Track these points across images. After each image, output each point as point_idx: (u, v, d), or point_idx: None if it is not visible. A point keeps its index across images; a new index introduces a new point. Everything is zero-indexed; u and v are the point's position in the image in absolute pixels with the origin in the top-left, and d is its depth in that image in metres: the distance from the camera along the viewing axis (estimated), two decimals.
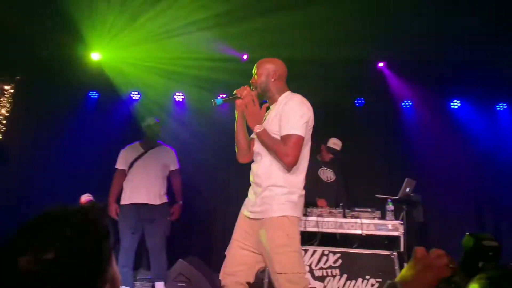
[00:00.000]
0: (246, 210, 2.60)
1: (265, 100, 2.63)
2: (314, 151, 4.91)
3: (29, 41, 5.30)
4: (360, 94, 6.13)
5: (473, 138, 5.84)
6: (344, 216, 4.15)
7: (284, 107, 2.45)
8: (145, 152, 4.64)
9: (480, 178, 5.74)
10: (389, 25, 4.66)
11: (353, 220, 4.10)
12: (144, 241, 4.59)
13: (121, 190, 4.57)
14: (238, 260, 2.51)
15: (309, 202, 4.46)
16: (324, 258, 3.98)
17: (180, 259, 4.56)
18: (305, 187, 4.71)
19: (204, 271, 4.51)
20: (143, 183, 4.51)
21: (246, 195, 2.61)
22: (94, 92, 6.23)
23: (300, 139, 2.38)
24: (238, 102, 2.54)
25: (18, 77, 5.74)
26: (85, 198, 5.34)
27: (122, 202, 4.51)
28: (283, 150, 2.36)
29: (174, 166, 4.75)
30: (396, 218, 4.15)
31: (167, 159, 4.70)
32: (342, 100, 6.06)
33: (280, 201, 2.39)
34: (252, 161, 2.66)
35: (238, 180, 6.18)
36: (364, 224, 4.06)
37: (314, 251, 3.99)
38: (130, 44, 5.34)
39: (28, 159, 5.90)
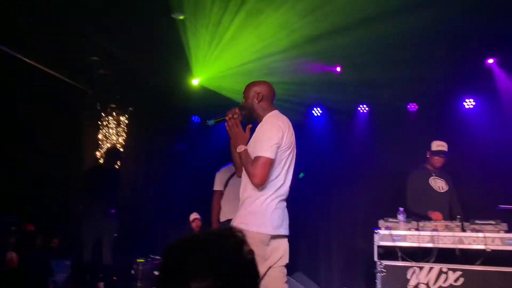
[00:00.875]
0: None
1: (253, 120, 2.75)
2: (422, 160, 4.63)
3: (138, 74, 5.82)
4: (468, 94, 5.68)
5: None
6: (463, 230, 3.79)
7: (258, 130, 2.63)
8: None
9: None
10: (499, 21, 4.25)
11: (474, 234, 3.72)
12: None
13: (220, 209, 4.77)
14: None
15: (421, 216, 4.17)
16: (443, 276, 3.67)
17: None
18: (414, 198, 4.41)
19: None
20: (236, 199, 4.63)
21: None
22: (196, 117, 6.61)
23: (268, 161, 2.49)
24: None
25: (131, 108, 6.35)
26: (194, 216, 5.67)
27: (221, 219, 4.74)
28: (251, 171, 2.52)
29: None
30: None
31: None
32: (449, 101, 5.67)
33: (242, 213, 2.59)
34: None
35: (342, 195, 6.07)
36: (489, 238, 3.66)
37: (431, 269, 3.70)
38: (225, 68, 5.56)
39: (142, 183, 6.41)
